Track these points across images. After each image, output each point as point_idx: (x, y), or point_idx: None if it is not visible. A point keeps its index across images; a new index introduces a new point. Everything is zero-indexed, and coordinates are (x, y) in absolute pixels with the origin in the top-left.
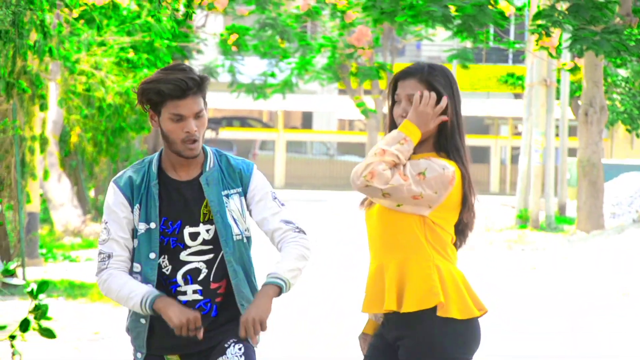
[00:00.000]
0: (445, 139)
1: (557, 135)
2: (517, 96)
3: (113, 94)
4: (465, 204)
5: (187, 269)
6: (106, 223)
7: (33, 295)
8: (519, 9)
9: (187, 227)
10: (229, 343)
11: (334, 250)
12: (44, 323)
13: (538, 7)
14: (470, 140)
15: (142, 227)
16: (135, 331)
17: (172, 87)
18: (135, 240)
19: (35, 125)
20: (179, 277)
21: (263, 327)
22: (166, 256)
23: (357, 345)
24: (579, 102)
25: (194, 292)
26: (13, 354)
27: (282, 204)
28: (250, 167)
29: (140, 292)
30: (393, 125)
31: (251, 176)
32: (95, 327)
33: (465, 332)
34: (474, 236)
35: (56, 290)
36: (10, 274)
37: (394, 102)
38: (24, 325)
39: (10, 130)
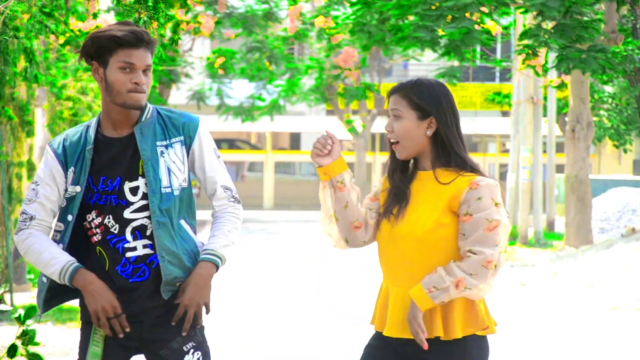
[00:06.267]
0: (446, 154)
1: (544, 151)
2: (505, 114)
3: None
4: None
5: (133, 226)
6: (37, 184)
7: (21, 321)
8: (506, 28)
9: (127, 182)
10: (187, 348)
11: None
12: (32, 348)
13: (524, 25)
14: None
15: (71, 189)
16: (39, 288)
17: (127, 34)
18: (64, 201)
19: (22, 152)
20: (128, 234)
21: (207, 310)
22: (110, 216)
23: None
24: (566, 119)
25: (144, 246)
26: None
27: (222, 164)
28: (196, 119)
29: (62, 260)
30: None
31: (197, 127)
32: None
33: (486, 347)
34: None
35: (44, 315)
36: None
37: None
38: (12, 351)
39: None
